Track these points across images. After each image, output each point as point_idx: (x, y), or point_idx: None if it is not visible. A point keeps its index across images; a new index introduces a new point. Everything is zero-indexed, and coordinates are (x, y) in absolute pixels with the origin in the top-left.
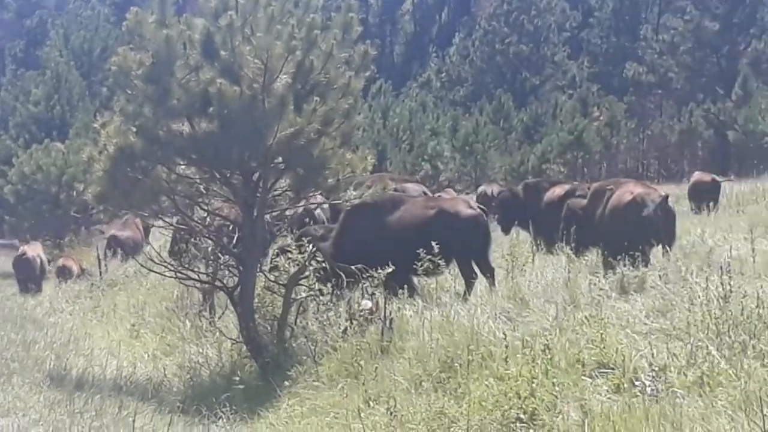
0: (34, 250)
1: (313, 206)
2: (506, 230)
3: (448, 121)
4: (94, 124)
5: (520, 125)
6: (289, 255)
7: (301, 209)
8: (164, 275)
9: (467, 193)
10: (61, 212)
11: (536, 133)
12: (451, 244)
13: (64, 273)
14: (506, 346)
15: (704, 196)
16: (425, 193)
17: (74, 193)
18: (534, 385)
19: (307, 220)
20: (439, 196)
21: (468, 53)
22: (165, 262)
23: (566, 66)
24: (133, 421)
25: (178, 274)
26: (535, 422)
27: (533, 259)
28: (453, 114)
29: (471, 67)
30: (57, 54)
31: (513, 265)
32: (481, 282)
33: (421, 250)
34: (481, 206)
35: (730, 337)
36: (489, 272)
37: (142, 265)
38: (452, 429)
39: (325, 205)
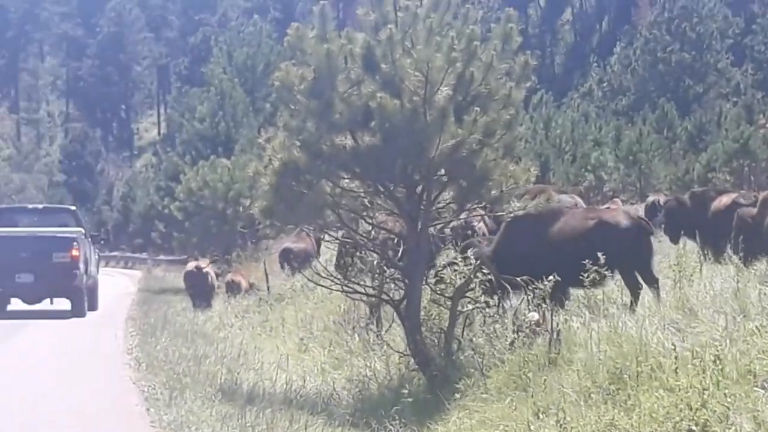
0: (204, 266)
1: (476, 219)
2: (674, 240)
3: (611, 131)
4: (259, 140)
5: (684, 134)
6: (455, 267)
7: (462, 221)
8: (331, 289)
9: (632, 203)
10: (228, 228)
11: (701, 141)
12: (612, 254)
13: (232, 288)
14: (676, 357)
15: None
16: (576, 205)
17: (240, 208)
18: (705, 396)
19: (468, 232)
20: (607, 206)
21: (629, 62)
22: (332, 275)
23: (730, 73)
24: None
25: (345, 288)
26: None
27: (701, 269)
28: (616, 124)
29: (633, 76)
30: (221, 71)
31: (680, 275)
32: (647, 292)
33: (583, 260)
34: (642, 216)
35: None
36: (653, 282)
37: (309, 279)
38: None
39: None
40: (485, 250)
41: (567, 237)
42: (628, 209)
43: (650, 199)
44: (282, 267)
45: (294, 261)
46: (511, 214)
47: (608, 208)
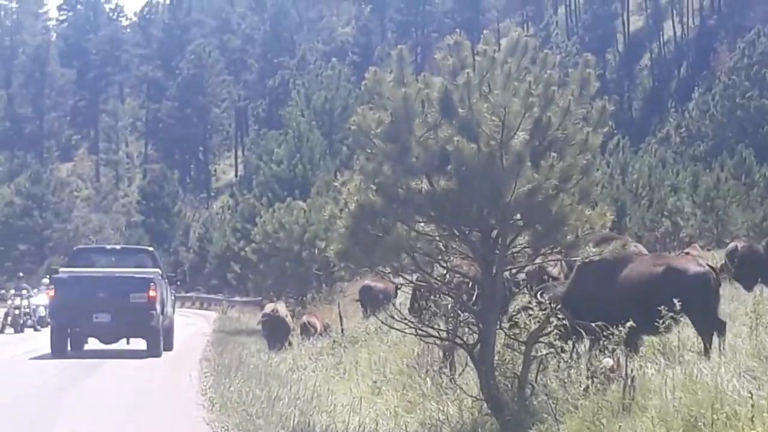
0: (280, 309)
1: (551, 263)
2: (747, 287)
3: (688, 177)
4: (335, 183)
5: (762, 180)
6: (530, 312)
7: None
8: (405, 332)
9: (709, 250)
10: (303, 269)
11: None
12: (681, 301)
13: (307, 330)
14: (752, 406)
15: None
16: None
17: (316, 250)
18: None
19: (544, 277)
20: (687, 252)
21: (708, 107)
22: (406, 319)
23: None
24: None
25: (419, 331)
26: None
27: None
28: (693, 169)
29: (711, 121)
30: (299, 113)
31: (757, 322)
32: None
33: (651, 306)
34: (710, 264)
35: None
36: (718, 327)
37: (383, 322)
38: None
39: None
40: (558, 293)
41: (635, 282)
42: (697, 256)
43: (732, 245)
44: (362, 305)
45: (373, 299)
46: (587, 260)
47: (687, 253)
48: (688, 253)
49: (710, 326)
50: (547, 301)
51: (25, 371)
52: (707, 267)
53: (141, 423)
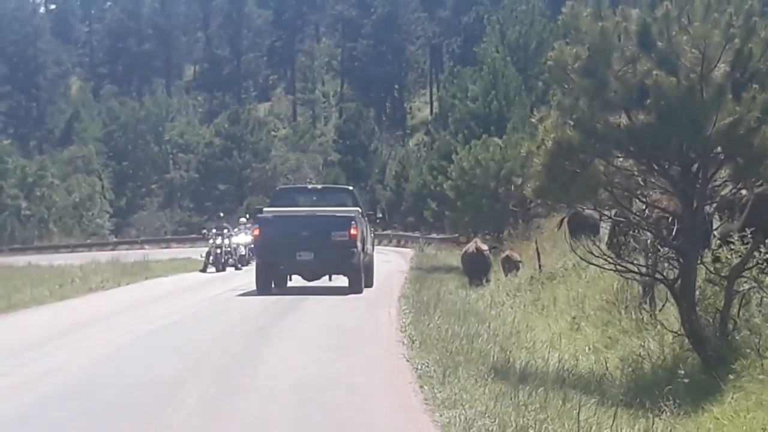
0: (480, 244)
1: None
2: None
3: None
4: (531, 119)
5: None
6: (731, 246)
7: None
8: (603, 268)
9: None
10: (500, 206)
11: None
12: None
13: (508, 265)
14: None
15: None
16: None
17: (512, 187)
18: None
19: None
20: None
21: None
22: (604, 254)
23: None
24: (578, 413)
25: (618, 267)
26: None
27: None
28: None
29: None
30: (493, 49)
31: None
32: None
33: None
34: None
35: None
36: None
37: (581, 258)
38: None
39: None
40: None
41: None
42: None
43: None
44: (572, 233)
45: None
46: None
47: None
48: None
49: None
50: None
51: (231, 308)
52: None
53: (341, 359)
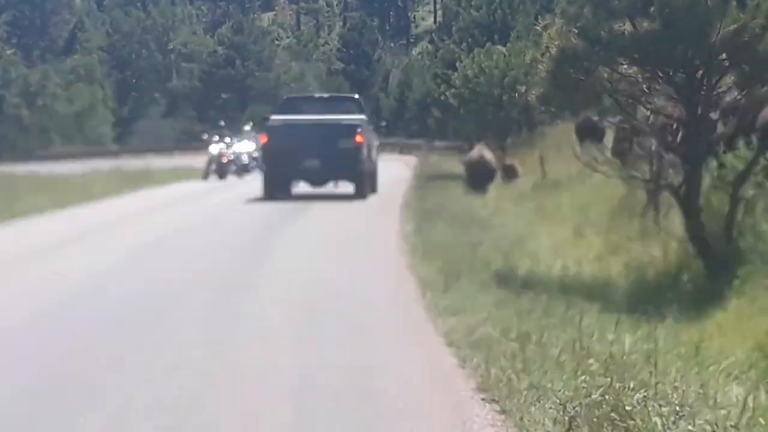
0: (485, 152)
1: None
2: None
3: None
4: (536, 27)
5: None
6: (736, 152)
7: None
8: (608, 175)
9: None
10: (504, 114)
11: None
12: None
13: (510, 173)
14: None
15: None
16: None
17: (516, 95)
18: None
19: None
20: None
21: None
22: (609, 161)
23: None
24: (580, 320)
25: (622, 174)
26: None
27: None
28: None
29: None
30: None
31: None
32: None
33: None
34: None
35: None
36: None
37: (585, 165)
38: None
39: None
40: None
41: None
42: None
43: None
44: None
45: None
46: None
47: None
48: None
49: None
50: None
51: (239, 213)
52: None
53: (345, 267)
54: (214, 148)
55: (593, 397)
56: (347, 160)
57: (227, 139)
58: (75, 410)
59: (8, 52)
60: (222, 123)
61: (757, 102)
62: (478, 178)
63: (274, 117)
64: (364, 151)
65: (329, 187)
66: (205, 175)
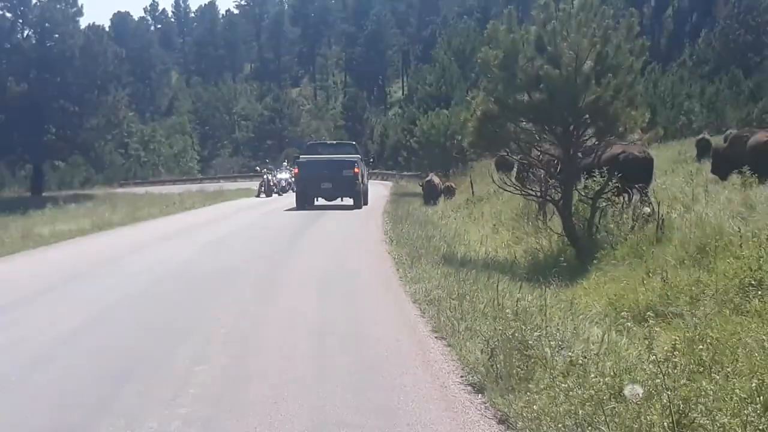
0: (434, 178)
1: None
2: (721, 176)
3: (698, 88)
4: (467, 98)
5: (747, 89)
6: (594, 178)
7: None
8: (513, 193)
9: (711, 135)
10: (447, 154)
11: (759, 93)
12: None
13: (450, 192)
14: (741, 236)
15: None
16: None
17: (455, 141)
18: (760, 261)
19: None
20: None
21: (711, 41)
22: (514, 184)
23: None
24: (497, 285)
25: (523, 192)
26: (762, 286)
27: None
28: (701, 83)
29: (713, 51)
30: (443, 53)
31: (744, 183)
32: (725, 192)
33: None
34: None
35: None
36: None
37: (500, 186)
38: (705, 291)
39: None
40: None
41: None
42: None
43: (728, 132)
44: (497, 169)
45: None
46: (627, 143)
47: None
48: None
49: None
50: (606, 171)
51: (281, 217)
52: (646, 153)
53: (347, 251)
54: (263, 176)
55: (506, 335)
56: (349, 183)
57: (271, 171)
58: (177, 341)
59: (130, 113)
60: (267, 160)
61: (607, 145)
62: (430, 195)
63: (302, 156)
64: (360, 178)
65: (338, 201)
66: (258, 194)
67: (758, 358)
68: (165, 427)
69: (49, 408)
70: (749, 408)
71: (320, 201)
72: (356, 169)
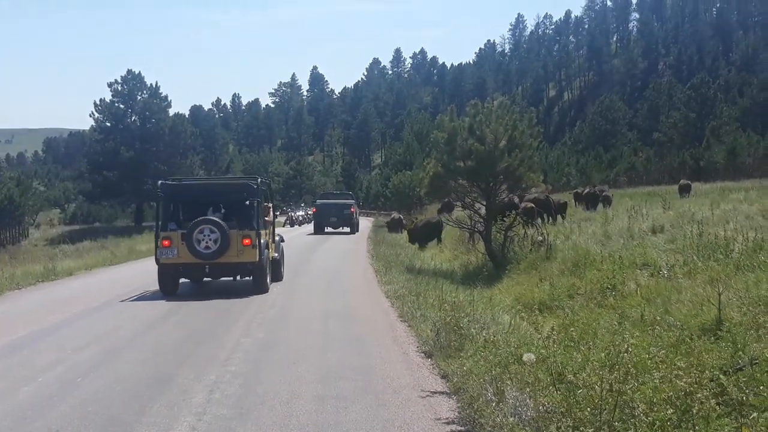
0: (397, 215)
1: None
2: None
3: (575, 160)
4: (424, 163)
5: (608, 158)
6: (506, 217)
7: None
8: (454, 226)
9: (581, 190)
10: (410, 200)
11: (611, 162)
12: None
13: (411, 224)
14: (601, 256)
15: None
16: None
17: (416, 191)
18: (614, 273)
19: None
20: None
21: (584, 129)
22: (455, 220)
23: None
24: (442, 286)
25: (460, 226)
26: (615, 289)
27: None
28: (577, 156)
29: (583, 136)
30: (408, 134)
31: (605, 221)
32: (594, 226)
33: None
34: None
35: (702, 250)
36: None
37: (446, 221)
38: (578, 291)
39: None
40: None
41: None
42: (537, 197)
43: (585, 189)
44: (440, 212)
45: (396, 223)
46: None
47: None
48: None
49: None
50: (514, 213)
51: (302, 238)
52: (534, 204)
53: (345, 264)
54: (288, 213)
55: (446, 320)
56: (348, 218)
57: (294, 209)
58: (231, 321)
59: (201, 172)
60: (291, 203)
61: (516, 196)
62: (396, 227)
63: (317, 200)
64: (354, 215)
65: (340, 230)
66: (285, 224)
67: (609, 337)
68: (220, 378)
69: (154, 355)
70: (605, 370)
71: (329, 229)
72: (353, 209)
